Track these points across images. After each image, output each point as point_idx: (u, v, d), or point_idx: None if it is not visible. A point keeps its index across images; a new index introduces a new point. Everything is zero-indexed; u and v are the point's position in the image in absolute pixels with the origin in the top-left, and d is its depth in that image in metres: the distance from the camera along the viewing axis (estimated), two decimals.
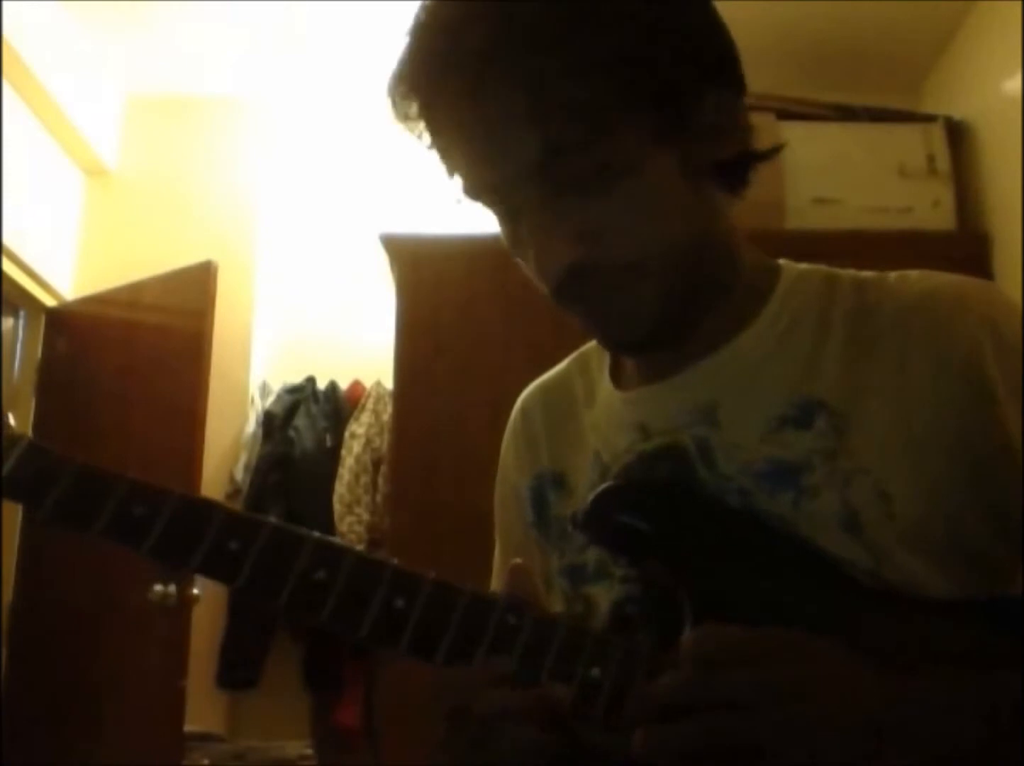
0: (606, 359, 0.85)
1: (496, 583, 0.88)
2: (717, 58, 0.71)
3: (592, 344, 0.89)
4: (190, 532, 0.66)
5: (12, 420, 0.70)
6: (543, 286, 0.71)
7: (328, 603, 0.64)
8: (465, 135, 0.69)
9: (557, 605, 0.79)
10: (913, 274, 0.75)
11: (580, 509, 0.72)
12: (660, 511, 0.71)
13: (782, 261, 0.80)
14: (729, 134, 0.72)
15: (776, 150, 0.77)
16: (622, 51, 0.65)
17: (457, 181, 0.72)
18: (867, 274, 0.77)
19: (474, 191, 0.71)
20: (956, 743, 0.58)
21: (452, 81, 0.67)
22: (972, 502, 0.68)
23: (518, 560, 0.71)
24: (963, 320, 0.69)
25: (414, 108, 0.70)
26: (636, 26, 0.66)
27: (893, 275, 0.75)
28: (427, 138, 0.72)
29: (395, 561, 0.66)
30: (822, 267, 0.79)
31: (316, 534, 0.67)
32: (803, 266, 0.79)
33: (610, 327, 0.73)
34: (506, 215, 0.72)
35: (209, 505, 0.67)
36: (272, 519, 0.67)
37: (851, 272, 0.77)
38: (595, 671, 0.62)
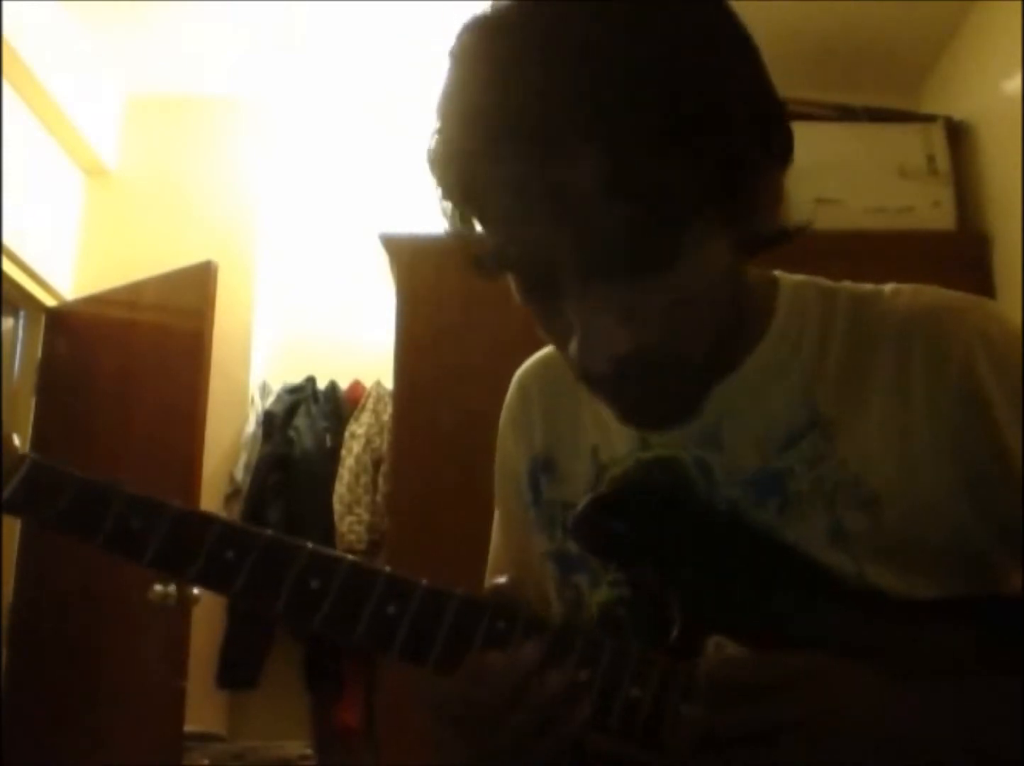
0: None
1: (495, 559, 0.90)
2: (783, 136, 0.66)
3: None
4: (187, 543, 0.67)
5: (16, 440, 0.72)
6: (578, 365, 0.65)
7: (322, 610, 0.66)
8: (521, 199, 0.60)
9: (550, 586, 0.80)
10: (907, 289, 0.74)
11: (572, 516, 0.73)
12: (649, 519, 0.72)
13: (777, 272, 0.78)
14: (775, 207, 0.68)
15: (804, 228, 0.71)
16: (700, 128, 0.58)
17: (481, 243, 0.65)
18: (863, 288, 0.76)
19: (511, 259, 0.64)
20: (992, 754, 0.58)
21: (517, 142, 0.58)
22: (968, 509, 0.68)
23: (502, 579, 0.73)
24: (958, 333, 0.69)
25: (461, 164, 0.62)
26: (714, 100, 0.59)
27: (888, 289, 0.75)
28: (462, 193, 0.65)
29: (388, 569, 0.68)
30: (816, 279, 0.78)
31: (311, 544, 0.68)
32: (797, 277, 0.78)
33: (642, 411, 0.69)
34: (539, 291, 0.65)
35: (206, 517, 0.69)
36: (269, 531, 0.69)
37: (847, 286, 0.77)
38: (584, 674, 0.63)
